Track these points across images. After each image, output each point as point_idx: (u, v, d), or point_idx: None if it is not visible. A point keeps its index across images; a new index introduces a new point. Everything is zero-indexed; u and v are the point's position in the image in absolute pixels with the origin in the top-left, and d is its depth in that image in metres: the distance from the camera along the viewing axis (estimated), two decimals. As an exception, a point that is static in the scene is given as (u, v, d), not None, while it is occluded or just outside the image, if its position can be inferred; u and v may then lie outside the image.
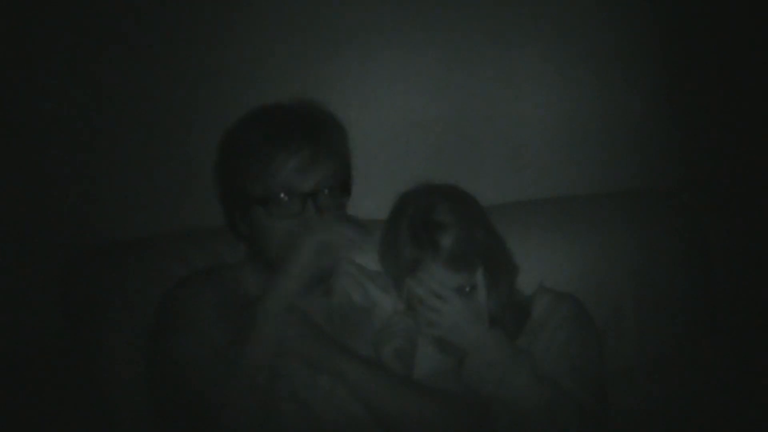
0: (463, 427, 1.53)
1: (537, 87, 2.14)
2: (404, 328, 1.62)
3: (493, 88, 2.12)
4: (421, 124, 2.09)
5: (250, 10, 1.98)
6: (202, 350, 1.47)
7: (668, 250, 1.96)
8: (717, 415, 1.81)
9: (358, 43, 2.03)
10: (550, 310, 1.68)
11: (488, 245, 1.63)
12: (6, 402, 1.66)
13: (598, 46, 2.14)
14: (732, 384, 1.88)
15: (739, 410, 1.81)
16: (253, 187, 1.52)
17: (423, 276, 1.57)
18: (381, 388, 1.51)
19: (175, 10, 1.94)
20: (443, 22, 2.07)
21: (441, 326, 1.56)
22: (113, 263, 1.75)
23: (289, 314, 1.48)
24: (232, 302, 1.56)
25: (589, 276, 1.90)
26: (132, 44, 1.93)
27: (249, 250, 1.63)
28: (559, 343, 1.63)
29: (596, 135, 2.19)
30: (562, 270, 1.88)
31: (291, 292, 1.48)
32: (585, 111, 2.17)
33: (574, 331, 1.65)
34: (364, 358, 1.54)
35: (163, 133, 1.98)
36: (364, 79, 2.05)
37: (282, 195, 1.51)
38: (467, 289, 1.59)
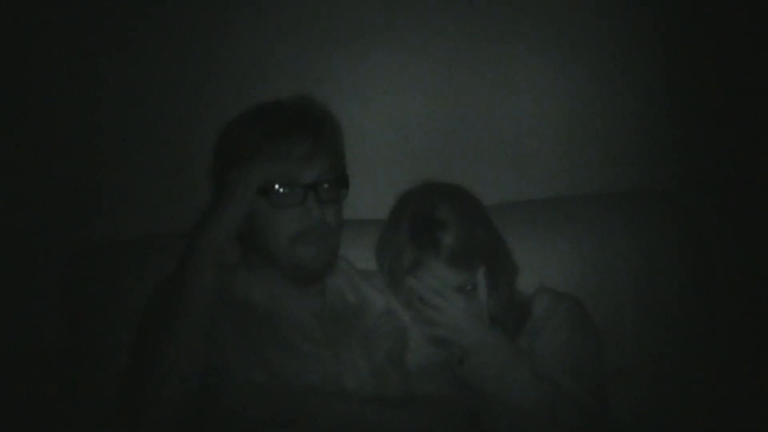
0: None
1: (537, 87, 2.14)
2: (395, 329, 1.62)
3: (493, 88, 2.12)
4: (421, 124, 2.09)
5: (249, 10, 1.98)
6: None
7: (668, 250, 1.96)
8: (717, 415, 1.81)
9: (358, 43, 2.03)
10: (550, 311, 1.68)
11: (489, 244, 1.63)
12: (6, 402, 1.65)
13: (598, 46, 2.14)
14: (732, 384, 1.88)
15: (739, 410, 1.81)
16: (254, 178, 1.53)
17: (424, 275, 1.57)
18: None
19: (175, 9, 1.94)
20: (443, 22, 2.07)
21: (443, 326, 1.56)
22: (113, 263, 1.75)
23: (218, 255, 1.49)
24: (226, 302, 1.56)
25: (589, 276, 1.90)
26: (131, 44, 1.93)
27: (245, 248, 1.63)
28: (560, 344, 1.63)
29: (596, 135, 2.19)
30: (562, 270, 1.88)
31: (223, 232, 1.49)
32: (585, 111, 2.17)
33: (575, 331, 1.65)
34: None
35: (163, 133, 1.98)
36: (364, 79, 2.05)
37: (284, 185, 1.52)
38: (468, 287, 1.59)
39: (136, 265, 1.74)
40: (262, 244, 1.56)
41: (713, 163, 2.25)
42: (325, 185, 1.55)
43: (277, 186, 1.52)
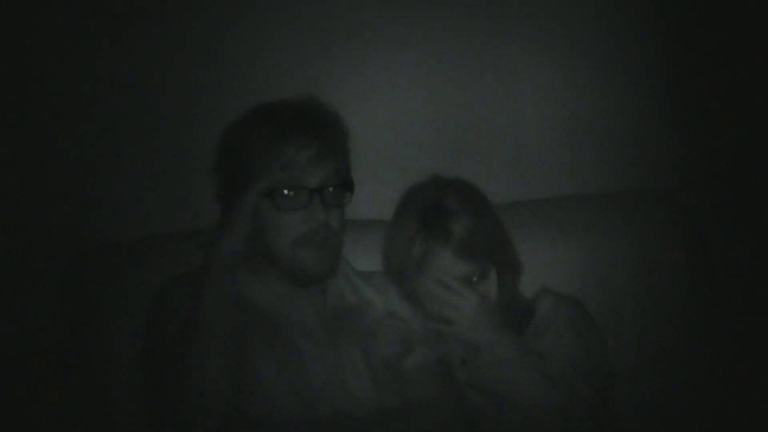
0: None
1: (537, 87, 2.14)
2: (395, 331, 1.62)
3: (493, 88, 2.12)
4: (420, 124, 2.09)
5: (249, 10, 1.98)
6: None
7: (668, 250, 1.96)
8: (717, 415, 1.81)
9: (357, 42, 2.03)
10: (552, 313, 1.67)
11: (496, 237, 1.63)
12: (6, 402, 1.65)
13: (598, 46, 2.14)
14: (732, 384, 1.88)
15: (739, 410, 1.81)
16: (259, 180, 1.52)
17: (437, 270, 1.57)
18: None
19: (175, 9, 1.94)
20: (443, 23, 2.07)
21: (456, 322, 1.56)
22: (113, 263, 1.74)
23: (235, 270, 1.49)
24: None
25: (589, 276, 1.90)
26: (131, 44, 1.93)
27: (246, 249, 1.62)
28: (564, 347, 1.62)
29: (596, 135, 2.19)
30: (562, 270, 1.88)
31: (235, 248, 1.49)
32: (585, 111, 2.17)
33: (579, 335, 1.64)
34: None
35: (163, 132, 1.98)
36: (364, 79, 2.05)
37: (289, 188, 1.51)
38: (474, 279, 1.59)
39: (136, 265, 1.74)
40: (264, 245, 1.55)
41: (713, 163, 2.25)
42: (330, 189, 1.54)
43: (282, 189, 1.51)
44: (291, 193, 1.51)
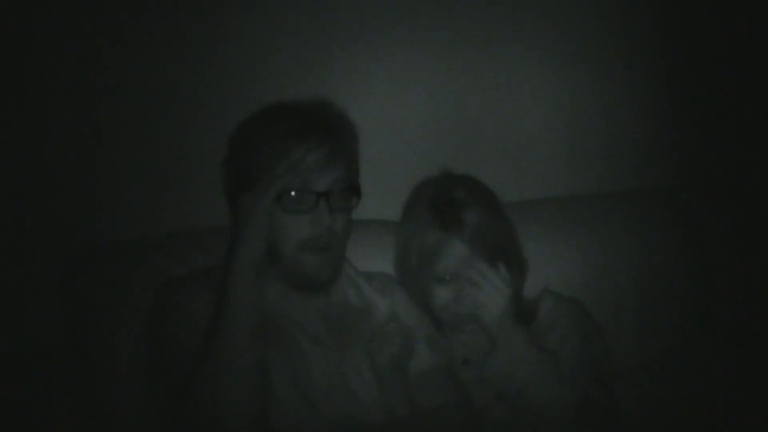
0: None
1: (537, 87, 2.14)
2: (398, 334, 1.62)
3: (493, 89, 2.12)
4: (420, 125, 2.09)
5: (250, 10, 1.98)
6: (197, 344, 1.46)
7: (668, 250, 1.96)
8: (717, 415, 1.81)
9: (358, 43, 2.03)
10: (554, 315, 1.67)
11: (505, 233, 1.64)
12: (6, 402, 1.65)
13: (598, 47, 2.14)
14: (732, 384, 1.88)
15: (739, 410, 1.81)
16: (267, 180, 1.50)
17: (446, 260, 1.58)
18: None
19: (175, 9, 1.94)
20: (443, 23, 2.07)
21: (487, 308, 1.55)
22: (113, 263, 1.74)
23: (256, 274, 1.46)
24: None
25: (589, 276, 1.91)
26: (132, 44, 1.93)
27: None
28: (568, 349, 1.62)
29: (596, 135, 2.19)
30: (562, 270, 1.88)
31: (254, 254, 1.46)
32: (585, 111, 2.17)
33: (582, 336, 1.64)
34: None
35: (163, 132, 1.98)
36: (364, 80, 2.05)
37: (296, 191, 1.50)
38: None
39: (136, 265, 1.74)
40: (269, 247, 1.55)
41: (713, 163, 2.25)
42: (338, 193, 1.53)
43: (289, 191, 1.50)
44: (298, 195, 1.51)
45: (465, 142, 2.12)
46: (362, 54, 2.04)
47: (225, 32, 1.97)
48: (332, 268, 1.58)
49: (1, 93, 1.89)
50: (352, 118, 1.66)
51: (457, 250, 1.59)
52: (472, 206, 1.61)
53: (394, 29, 2.04)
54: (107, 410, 1.66)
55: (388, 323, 1.64)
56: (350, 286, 1.67)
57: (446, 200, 1.62)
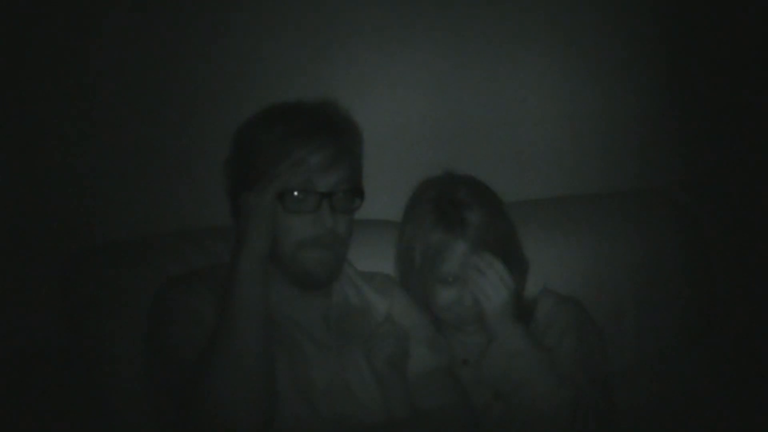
0: None
1: (538, 87, 2.14)
2: (396, 335, 1.62)
3: (493, 89, 2.12)
4: (421, 125, 2.09)
5: (250, 10, 1.98)
6: (200, 342, 1.46)
7: (668, 250, 1.96)
8: (717, 415, 1.81)
9: (359, 43, 2.03)
10: (553, 315, 1.67)
11: (506, 233, 1.64)
12: (6, 402, 1.65)
13: (598, 47, 2.15)
14: (732, 384, 1.88)
15: (739, 410, 1.81)
16: (271, 179, 1.50)
17: (449, 259, 1.58)
18: None
19: (174, 9, 1.94)
20: (444, 23, 2.07)
21: (493, 300, 1.55)
22: (113, 263, 1.74)
23: (263, 272, 1.45)
24: None
25: (589, 276, 1.91)
26: (132, 44, 1.93)
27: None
28: (566, 348, 1.62)
29: (596, 135, 2.19)
30: (562, 270, 1.88)
31: (260, 251, 1.45)
32: (585, 111, 2.18)
33: (580, 336, 1.64)
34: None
35: (163, 133, 1.98)
36: (365, 80, 2.05)
37: (299, 191, 1.50)
38: None
39: (136, 265, 1.74)
40: (270, 246, 1.55)
41: (713, 163, 2.25)
42: (340, 194, 1.53)
43: (292, 191, 1.50)
44: (301, 196, 1.51)
45: (466, 143, 2.12)
46: (363, 54, 2.04)
47: (225, 32, 1.97)
48: (333, 267, 1.57)
49: (1, 93, 1.89)
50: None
51: (461, 251, 1.59)
52: (474, 206, 1.61)
53: (396, 29, 2.04)
54: (107, 410, 1.65)
55: (383, 324, 1.64)
56: (350, 287, 1.67)
57: (449, 201, 1.62)
